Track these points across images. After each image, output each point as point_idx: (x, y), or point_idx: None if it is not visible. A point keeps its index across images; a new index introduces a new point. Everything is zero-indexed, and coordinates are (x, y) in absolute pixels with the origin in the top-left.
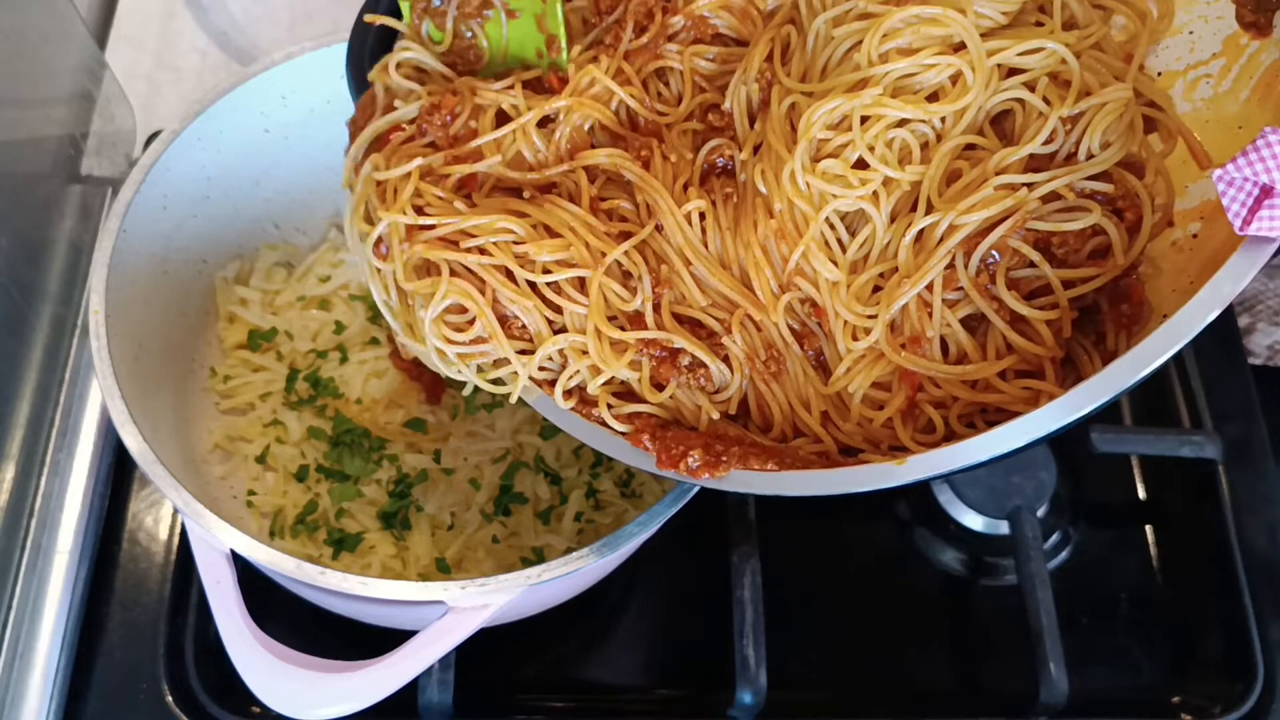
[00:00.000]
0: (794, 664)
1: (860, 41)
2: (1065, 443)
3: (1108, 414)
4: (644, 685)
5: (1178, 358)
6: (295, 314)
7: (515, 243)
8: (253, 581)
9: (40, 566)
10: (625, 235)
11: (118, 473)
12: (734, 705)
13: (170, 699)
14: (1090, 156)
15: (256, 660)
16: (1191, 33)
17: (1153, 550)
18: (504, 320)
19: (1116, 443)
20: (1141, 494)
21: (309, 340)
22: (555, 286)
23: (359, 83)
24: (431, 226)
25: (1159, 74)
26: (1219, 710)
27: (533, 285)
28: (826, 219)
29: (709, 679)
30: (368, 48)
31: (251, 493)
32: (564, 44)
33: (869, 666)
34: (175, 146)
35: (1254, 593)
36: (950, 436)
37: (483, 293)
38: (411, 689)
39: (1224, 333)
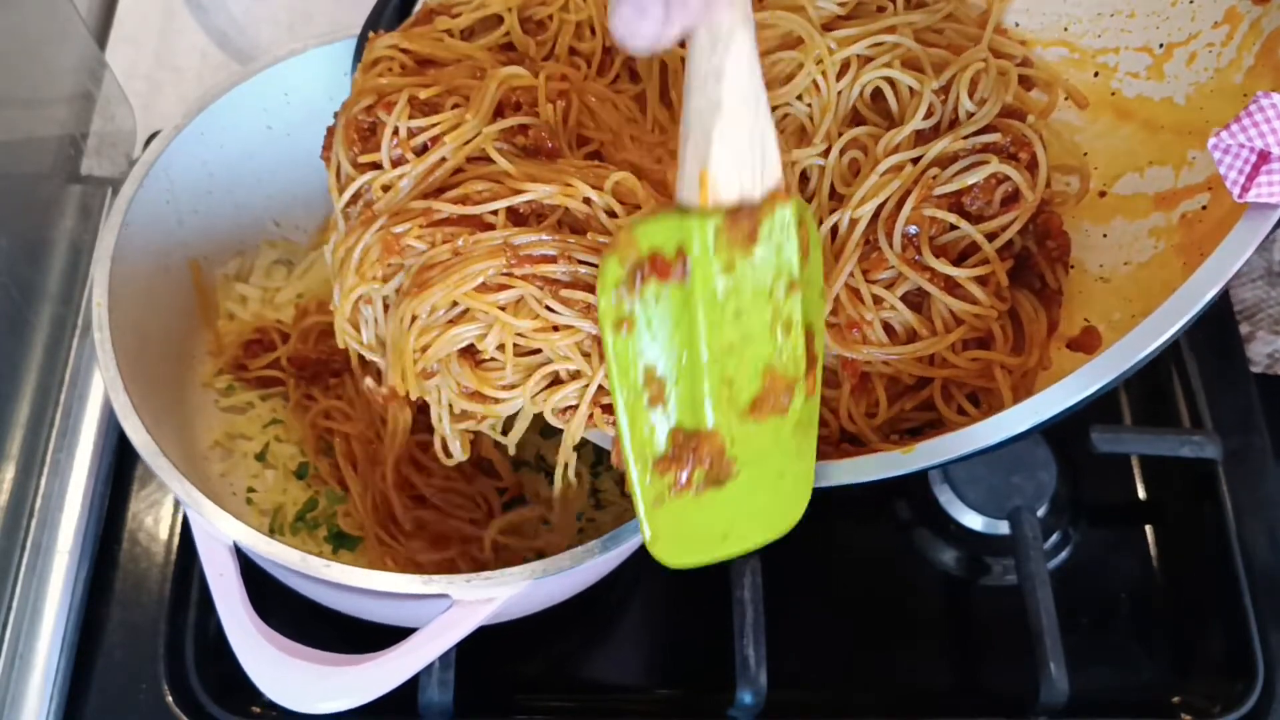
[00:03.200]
0: (794, 664)
1: None
2: (1065, 443)
3: (1108, 414)
4: (644, 685)
5: (1178, 359)
6: (295, 311)
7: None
8: (251, 580)
9: (40, 566)
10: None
11: (118, 473)
12: (734, 705)
13: (170, 699)
14: (971, 116)
15: (260, 653)
16: (1192, 2)
17: (1153, 550)
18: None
19: (1116, 443)
20: (1141, 494)
21: None
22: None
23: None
24: None
25: (1161, 45)
26: (1219, 710)
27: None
28: None
29: (709, 679)
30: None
31: (251, 490)
32: None
33: (869, 666)
34: (178, 142)
35: (1254, 593)
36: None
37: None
38: (411, 688)
39: (1224, 334)
